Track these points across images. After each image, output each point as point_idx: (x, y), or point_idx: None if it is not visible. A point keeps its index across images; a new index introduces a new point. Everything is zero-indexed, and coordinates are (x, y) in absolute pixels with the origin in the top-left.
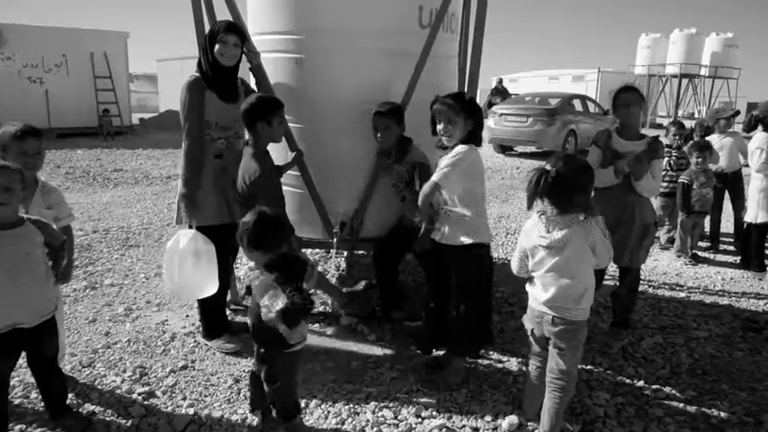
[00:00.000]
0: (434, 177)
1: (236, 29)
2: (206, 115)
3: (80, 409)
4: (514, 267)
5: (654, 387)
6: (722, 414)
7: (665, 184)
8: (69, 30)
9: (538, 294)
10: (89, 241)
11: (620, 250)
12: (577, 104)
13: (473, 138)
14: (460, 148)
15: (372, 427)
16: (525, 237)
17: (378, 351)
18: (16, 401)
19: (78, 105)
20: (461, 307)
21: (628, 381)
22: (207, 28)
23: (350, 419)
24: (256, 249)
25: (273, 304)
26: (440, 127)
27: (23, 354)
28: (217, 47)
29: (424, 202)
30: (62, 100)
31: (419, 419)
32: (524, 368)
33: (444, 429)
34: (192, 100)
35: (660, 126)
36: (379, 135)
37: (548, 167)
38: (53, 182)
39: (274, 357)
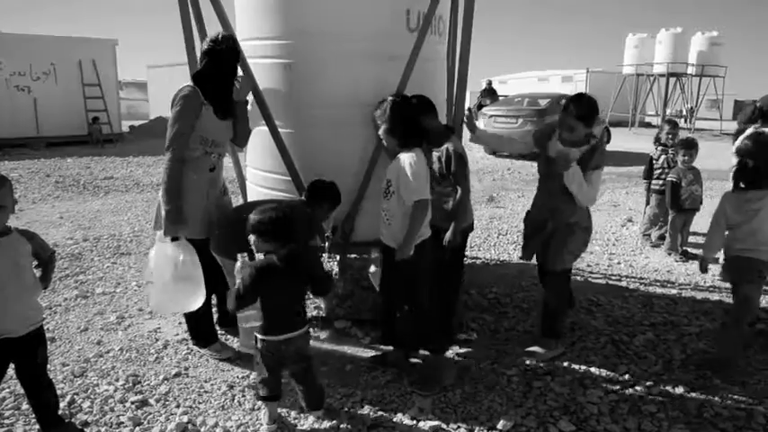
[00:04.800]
0: (418, 195)
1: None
2: (201, 131)
3: (73, 419)
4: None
5: (647, 383)
6: (715, 408)
7: (660, 182)
8: (57, 38)
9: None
10: (80, 250)
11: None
12: None
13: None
14: (409, 154)
15: (368, 430)
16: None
17: (372, 354)
18: (7, 413)
19: (67, 113)
20: (404, 307)
21: (621, 378)
22: (195, 34)
23: (346, 422)
24: (267, 240)
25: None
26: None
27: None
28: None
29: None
30: (51, 108)
31: (414, 421)
32: (519, 369)
33: (440, 431)
34: (187, 114)
35: (649, 125)
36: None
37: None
38: (43, 191)
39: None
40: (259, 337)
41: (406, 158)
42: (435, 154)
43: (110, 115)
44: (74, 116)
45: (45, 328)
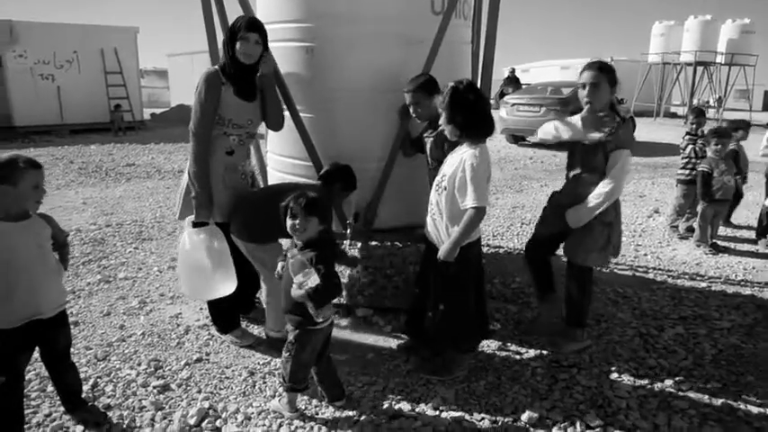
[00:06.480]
0: (476, 202)
1: (258, 27)
2: (220, 110)
3: (96, 402)
4: None
5: (677, 378)
6: (749, 406)
7: (686, 172)
8: (79, 26)
9: None
10: (102, 235)
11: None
12: None
13: (473, 130)
14: (473, 151)
15: (390, 421)
16: None
17: (393, 343)
18: (33, 395)
19: (90, 101)
20: (441, 306)
21: (650, 372)
22: (216, 21)
23: (367, 412)
24: (312, 215)
25: (305, 282)
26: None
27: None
28: (238, 45)
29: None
30: (74, 96)
31: (437, 412)
32: (544, 359)
33: (463, 422)
34: (207, 95)
35: (675, 115)
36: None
37: None
38: (67, 177)
39: (296, 331)
40: (321, 325)
41: (469, 157)
42: (430, 138)
43: (131, 103)
44: (96, 104)
45: (69, 312)
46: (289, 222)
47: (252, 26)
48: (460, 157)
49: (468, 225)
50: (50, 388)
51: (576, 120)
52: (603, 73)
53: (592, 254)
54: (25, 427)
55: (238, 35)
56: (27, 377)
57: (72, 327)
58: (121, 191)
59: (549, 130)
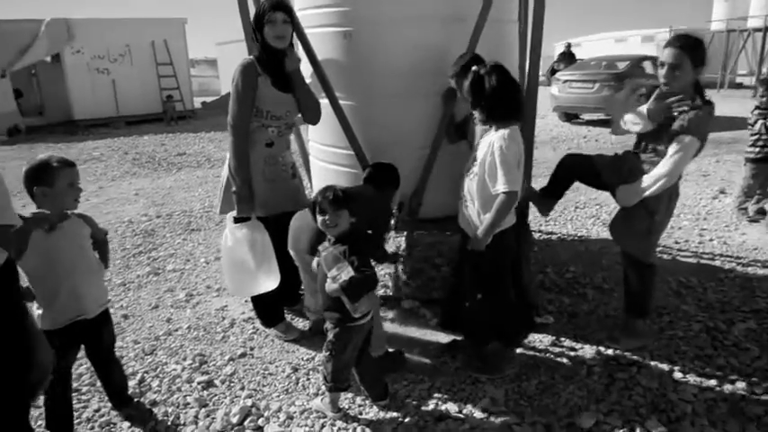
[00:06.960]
0: (507, 186)
1: (283, 5)
2: (258, 102)
3: (143, 398)
4: None
5: (750, 380)
6: None
7: (756, 150)
8: (130, 20)
9: None
10: (153, 226)
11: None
12: (648, 67)
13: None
14: (501, 133)
15: (436, 423)
16: None
17: (441, 337)
18: (84, 389)
19: (143, 93)
20: (477, 296)
21: (718, 372)
22: (252, 10)
23: (412, 412)
24: (341, 209)
25: (339, 276)
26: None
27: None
28: (266, 28)
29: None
30: (128, 88)
31: (486, 414)
32: (600, 356)
33: (513, 426)
34: (244, 85)
35: (741, 86)
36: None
37: None
38: (122, 168)
39: (335, 328)
40: (360, 322)
41: (497, 139)
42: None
43: (182, 93)
44: (149, 95)
45: (119, 304)
46: (319, 218)
47: (276, 5)
48: (489, 141)
49: (500, 211)
50: (100, 383)
51: (644, 109)
52: (686, 51)
53: (628, 238)
54: (75, 421)
55: (264, 19)
56: (78, 371)
57: (122, 320)
58: (172, 181)
59: (621, 124)
